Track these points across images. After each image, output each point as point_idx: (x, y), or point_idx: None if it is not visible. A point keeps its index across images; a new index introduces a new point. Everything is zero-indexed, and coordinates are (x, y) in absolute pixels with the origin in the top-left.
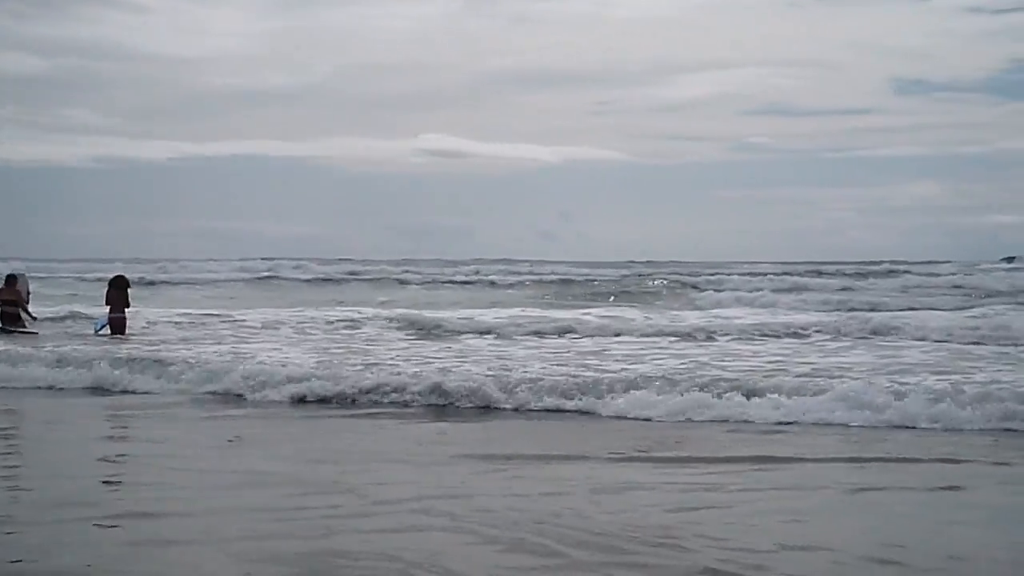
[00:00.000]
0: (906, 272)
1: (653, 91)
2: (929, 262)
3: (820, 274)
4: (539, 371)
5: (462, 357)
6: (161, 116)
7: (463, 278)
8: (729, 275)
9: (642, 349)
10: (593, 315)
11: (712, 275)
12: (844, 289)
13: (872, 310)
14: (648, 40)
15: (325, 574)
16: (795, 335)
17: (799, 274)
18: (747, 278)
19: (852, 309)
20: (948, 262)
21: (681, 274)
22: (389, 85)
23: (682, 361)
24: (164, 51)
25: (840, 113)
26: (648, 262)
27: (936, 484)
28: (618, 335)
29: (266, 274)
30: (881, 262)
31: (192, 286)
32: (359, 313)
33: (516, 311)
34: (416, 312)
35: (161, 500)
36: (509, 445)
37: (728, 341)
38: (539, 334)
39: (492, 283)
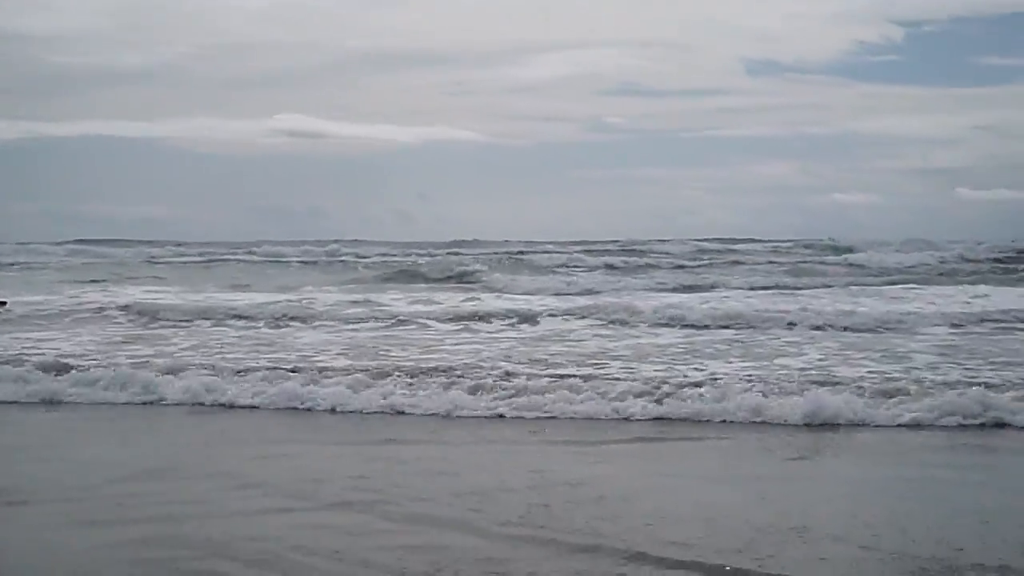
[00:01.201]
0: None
1: (509, 71)
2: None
3: (668, 254)
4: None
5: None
6: (7, 95)
7: (306, 259)
8: (571, 255)
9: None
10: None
11: (559, 254)
12: (679, 267)
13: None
14: (504, 21)
15: None
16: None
17: (646, 253)
18: (579, 256)
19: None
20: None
21: (531, 252)
22: (245, 64)
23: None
24: (9, 28)
25: (694, 94)
26: (504, 242)
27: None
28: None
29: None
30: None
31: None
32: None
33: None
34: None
35: None
36: None
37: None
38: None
39: (343, 263)
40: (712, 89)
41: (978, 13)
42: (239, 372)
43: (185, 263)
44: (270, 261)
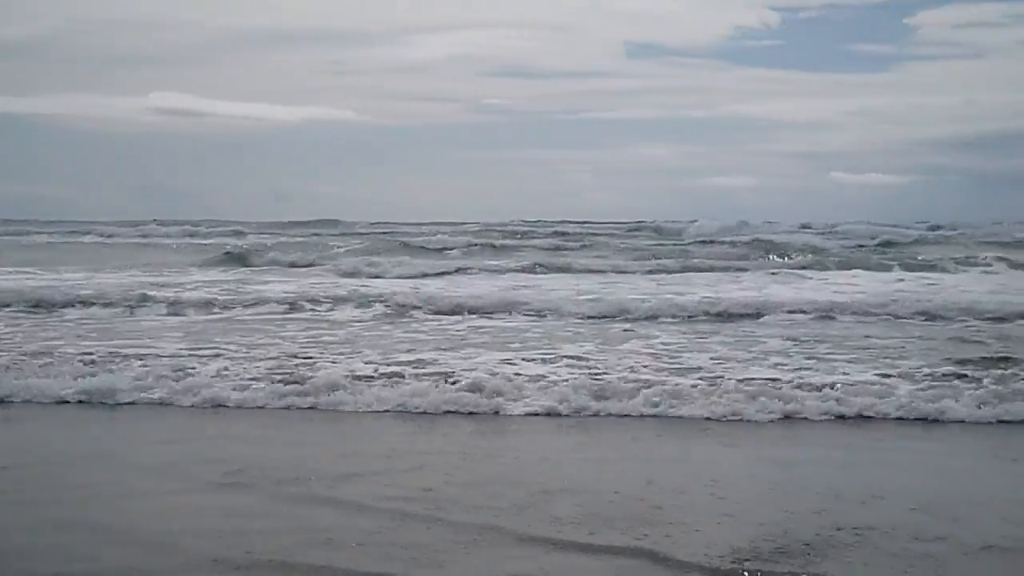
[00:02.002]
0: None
1: (390, 51)
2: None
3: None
4: None
5: None
6: None
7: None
8: (451, 236)
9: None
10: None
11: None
12: (554, 249)
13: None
14: (386, 1)
15: None
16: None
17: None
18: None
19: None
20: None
21: (407, 235)
22: (121, 40)
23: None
24: None
25: (575, 76)
26: (380, 223)
27: None
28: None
29: None
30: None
31: None
32: None
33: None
34: None
35: None
36: None
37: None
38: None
39: (207, 246)
40: (593, 71)
41: (851, 0)
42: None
43: (51, 243)
44: (133, 243)
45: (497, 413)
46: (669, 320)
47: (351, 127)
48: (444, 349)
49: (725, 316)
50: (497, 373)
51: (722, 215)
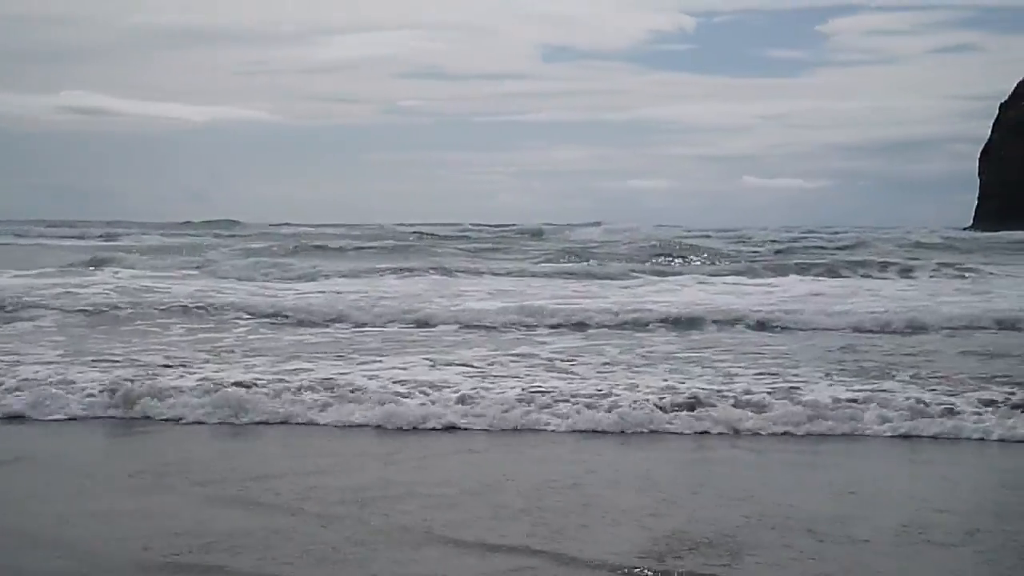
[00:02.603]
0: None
1: (304, 52)
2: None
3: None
4: None
5: None
6: None
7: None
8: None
9: None
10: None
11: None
12: (458, 252)
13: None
14: (301, 1)
15: None
16: None
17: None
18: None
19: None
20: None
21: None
22: (31, 38)
23: None
24: None
25: (491, 78)
26: (287, 224)
27: None
28: None
29: None
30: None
31: None
32: None
33: None
34: None
35: None
36: None
37: None
38: None
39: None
40: (509, 74)
41: (764, 7)
42: None
43: None
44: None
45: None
46: (567, 327)
47: (264, 127)
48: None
49: (621, 323)
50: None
51: (636, 218)
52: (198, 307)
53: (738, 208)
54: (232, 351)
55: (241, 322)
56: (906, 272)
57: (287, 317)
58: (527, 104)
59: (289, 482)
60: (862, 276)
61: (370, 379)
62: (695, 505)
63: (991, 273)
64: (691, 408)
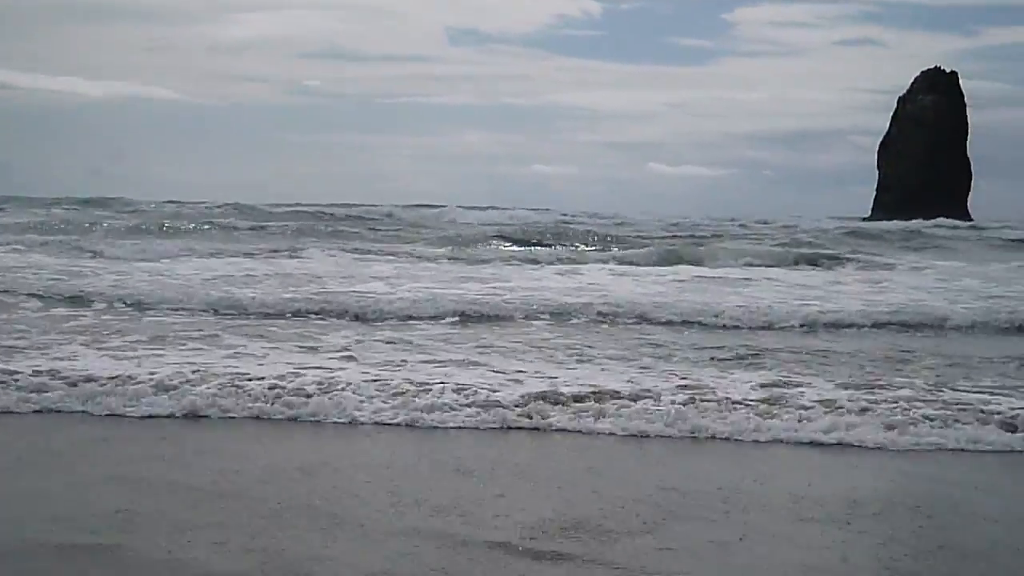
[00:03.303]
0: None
1: (208, 29)
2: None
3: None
4: None
5: None
6: None
7: None
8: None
9: None
10: None
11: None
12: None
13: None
14: None
15: None
16: None
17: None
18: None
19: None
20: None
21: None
22: None
23: None
24: None
25: (396, 60)
26: (175, 201)
27: None
28: None
29: None
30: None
31: None
32: None
33: None
34: None
35: None
36: None
37: None
38: None
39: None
40: (414, 56)
41: None
42: None
43: None
44: None
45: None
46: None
47: (167, 105)
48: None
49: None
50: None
51: (541, 202)
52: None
53: (643, 195)
54: None
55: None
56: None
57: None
58: (432, 87)
59: None
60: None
61: None
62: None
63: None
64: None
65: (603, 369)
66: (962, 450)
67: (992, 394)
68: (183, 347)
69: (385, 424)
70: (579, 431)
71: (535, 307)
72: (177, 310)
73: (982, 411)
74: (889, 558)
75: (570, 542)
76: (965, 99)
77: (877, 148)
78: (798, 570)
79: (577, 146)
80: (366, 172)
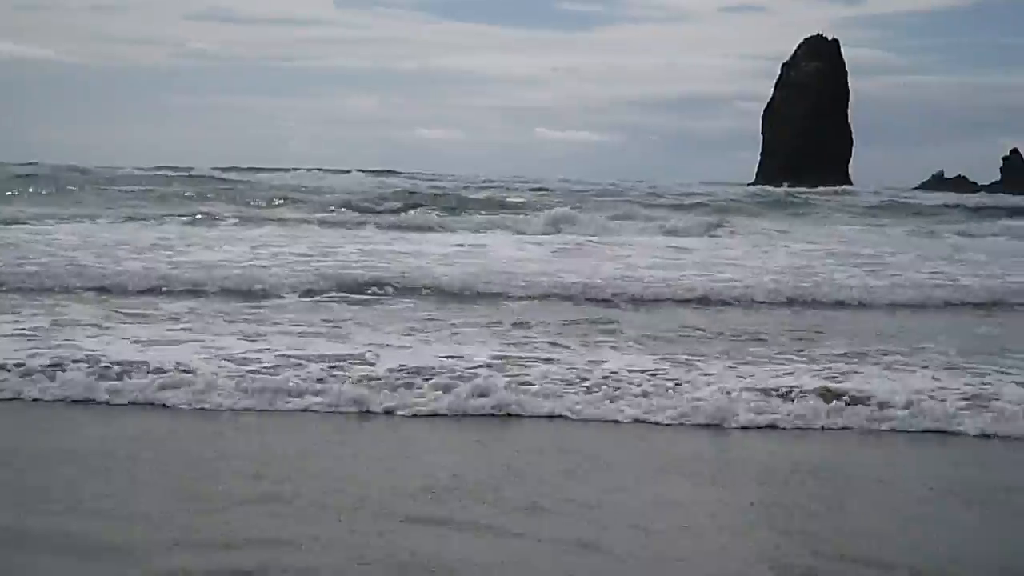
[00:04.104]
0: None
1: None
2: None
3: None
4: None
5: None
6: None
7: None
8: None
9: None
10: None
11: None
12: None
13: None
14: None
15: None
16: None
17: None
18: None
19: None
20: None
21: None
22: None
23: None
24: None
25: (284, 23)
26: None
27: None
28: None
29: None
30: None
31: None
32: None
33: None
34: None
35: None
36: None
37: None
38: None
39: None
40: (302, 19)
41: None
42: None
43: None
44: None
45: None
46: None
47: (47, 66)
48: None
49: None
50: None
51: (427, 167)
52: None
53: (532, 159)
54: None
55: None
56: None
57: None
58: (319, 50)
59: None
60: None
61: None
62: None
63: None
64: None
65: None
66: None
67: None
68: None
69: None
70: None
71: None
72: None
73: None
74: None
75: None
76: (846, 66)
77: (762, 114)
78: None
79: (464, 110)
80: (255, 136)
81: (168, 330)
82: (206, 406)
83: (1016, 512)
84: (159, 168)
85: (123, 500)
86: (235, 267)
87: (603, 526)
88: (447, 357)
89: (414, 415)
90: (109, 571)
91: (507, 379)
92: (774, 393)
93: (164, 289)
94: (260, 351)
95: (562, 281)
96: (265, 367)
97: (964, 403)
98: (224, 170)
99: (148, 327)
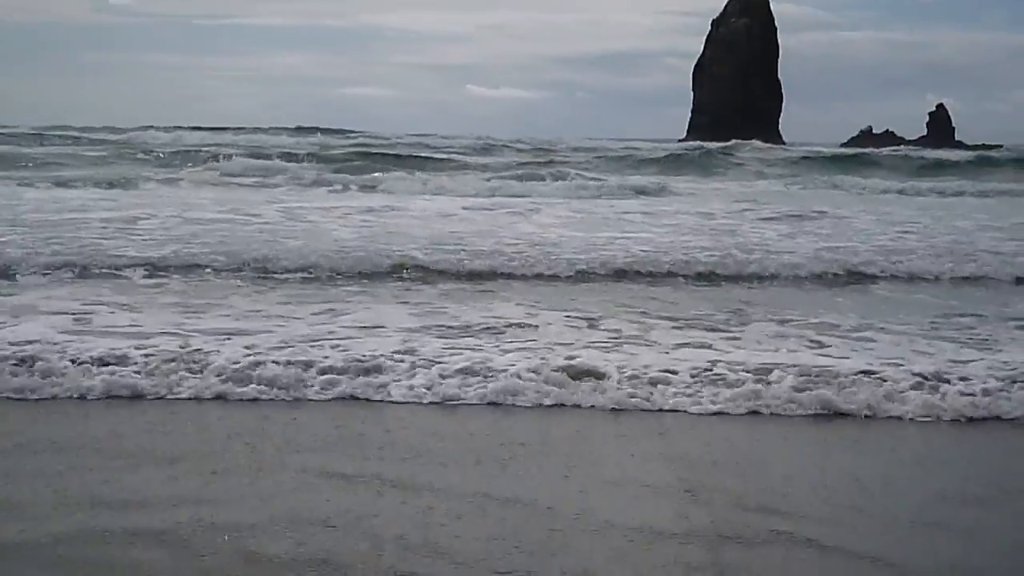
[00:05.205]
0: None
1: None
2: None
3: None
4: None
5: None
6: None
7: None
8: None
9: None
10: None
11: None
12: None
13: None
14: None
15: None
16: None
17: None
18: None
19: None
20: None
21: None
22: None
23: None
24: None
25: None
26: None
27: None
28: None
29: None
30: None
31: None
32: None
33: None
34: None
35: None
36: None
37: None
38: None
39: None
40: None
41: None
42: None
43: None
44: None
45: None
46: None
47: None
48: None
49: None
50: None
51: (356, 125)
52: None
53: (463, 116)
54: None
55: None
56: None
57: None
58: (245, 8)
59: None
60: None
61: None
62: None
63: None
64: None
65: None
66: None
67: None
68: None
69: None
70: None
71: None
72: None
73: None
74: None
75: None
76: (776, 23)
77: (692, 71)
78: None
79: (393, 68)
80: (181, 94)
81: None
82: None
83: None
84: (64, 128)
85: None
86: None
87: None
88: None
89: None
90: (8, 533)
91: None
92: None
93: None
94: None
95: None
96: None
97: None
98: (143, 129)
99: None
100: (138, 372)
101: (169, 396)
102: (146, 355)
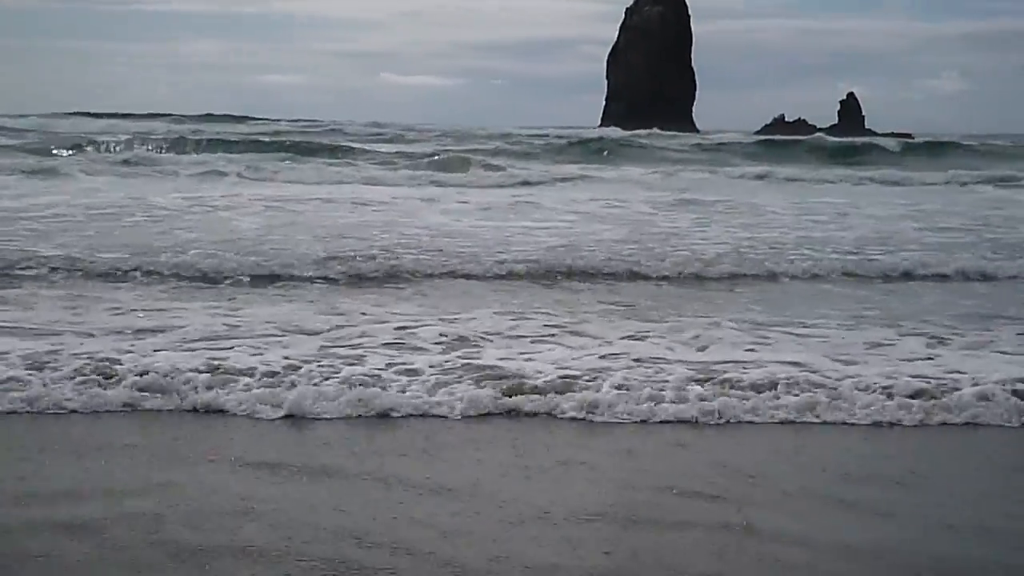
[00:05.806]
0: None
1: None
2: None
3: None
4: None
5: None
6: None
7: None
8: None
9: None
10: None
11: None
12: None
13: None
14: None
15: None
16: None
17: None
18: None
19: None
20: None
21: None
22: None
23: None
24: None
25: None
26: None
27: None
28: None
29: None
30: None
31: None
32: None
33: None
34: None
35: None
36: None
37: None
38: None
39: None
40: None
41: None
42: None
43: None
44: None
45: None
46: None
47: None
48: None
49: None
50: None
51: (274, 112)
52: None
53: (377, 104)
54: None
55: None
56: None
57: None
58: None
59: None
60: None
61: None
62: None
63: None
64: None
65: None
66: None
67: None
68: None
69: None
70: None
71: None
72: None
73: None
74: None
75: None
76: (688, 10)
77: (607, 58)
78: None
79: (308, 55)
80: (90, 81)
81: None
82: None
83: None
84: None
85: None
86: None
87: None
88: None
89: None
90: None
91: None
92: None
93: None
94: None
95: None
96: None
97: None
98: (46, 117)
99: None
100: None
101: None
102: None
